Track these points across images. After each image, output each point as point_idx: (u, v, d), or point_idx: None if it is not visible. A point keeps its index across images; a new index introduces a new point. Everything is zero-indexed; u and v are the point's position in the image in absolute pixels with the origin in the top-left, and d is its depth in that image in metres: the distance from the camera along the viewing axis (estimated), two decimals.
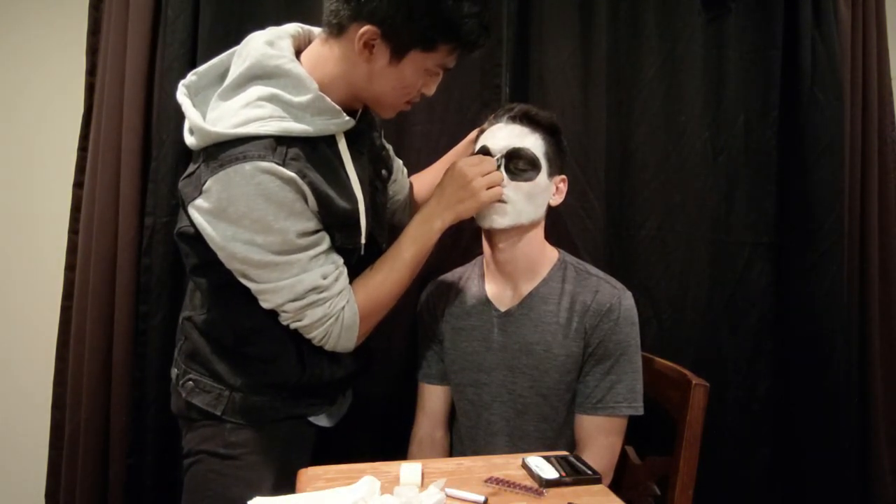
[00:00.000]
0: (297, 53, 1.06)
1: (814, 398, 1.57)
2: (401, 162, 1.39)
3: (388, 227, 1.27)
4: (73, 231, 1.52)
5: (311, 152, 1.00)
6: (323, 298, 1.03)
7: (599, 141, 1.55)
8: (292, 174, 0.96)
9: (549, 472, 0.95)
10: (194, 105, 1.04)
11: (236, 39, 1.47)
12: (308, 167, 0.98)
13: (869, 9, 1.65)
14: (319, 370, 1.13)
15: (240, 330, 1.11)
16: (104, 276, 1.45)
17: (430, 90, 1.09)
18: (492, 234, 1.28)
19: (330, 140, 1.04)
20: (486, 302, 1.32)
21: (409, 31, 0.97)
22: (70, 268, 1.52)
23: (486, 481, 0.94)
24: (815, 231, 1.56)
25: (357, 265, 1.12)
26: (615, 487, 1.13)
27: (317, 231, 1.03)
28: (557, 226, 1.49)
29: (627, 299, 1.26)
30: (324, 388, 1.19)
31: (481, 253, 1.38)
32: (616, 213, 1.59)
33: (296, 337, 1.09)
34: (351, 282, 1.10)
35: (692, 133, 1.58)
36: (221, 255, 1.00)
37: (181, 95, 1.06)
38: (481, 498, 0.88)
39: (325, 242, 1.05)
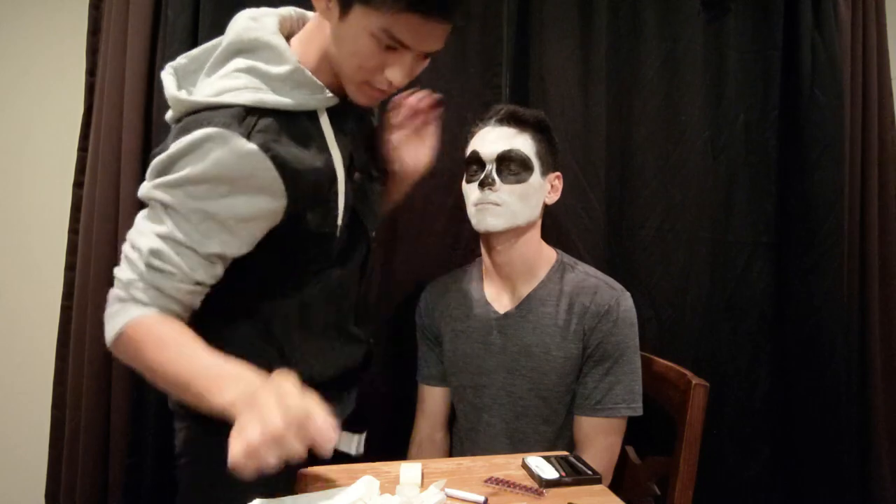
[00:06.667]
0: (288, 37, 1.02)
1: (814, 398, 1.57)
2: None
3: (380, 217, 1.22)
4: (73, 231, 1.52)
5: (288, 125, 0.95)
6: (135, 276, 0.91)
7: (599, 141, 1.55)
8: (252, 146, 0.89)
9: (549, 473, 0.95)
10: (180, 86, 1.01)
11: None
12: (277, 140, 0.92)
13: (869, 9, 1.65)
14: (308, 368, 1.02)
15: (216, 328, 1.02)
16: (104, 276, 1.45)
17: (395, 75, 0.94)
18: (489, 237, 1.28)
19: (313, 115, 0.99)
20: (484, 304, 1.32)
21: None
22: (70, 268, 1.52)
23: (486, 481, 0.94)
24: (815, 231, 1.56)
25: (341, 258, 1.05)
26: (615, 487, 1.13)
27: (219, 226, 0.91)
28: (557, 226, 1.49)
29: (626, 300, 1.26)
30: (318, 389, 1.13)
31: (480, 255, 1.38)
32: (616, 213, 1.59)
33: (279, 333, 1.04)
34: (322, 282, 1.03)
35: (692, 133, 1.59)
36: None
37: (166, 74, 1.02)
38: (481, 498, 0.88)
39: (225, 247, 0.93)
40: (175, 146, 0.90)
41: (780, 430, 1.61)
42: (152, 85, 1.47)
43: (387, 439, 1.46)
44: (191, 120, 0.92)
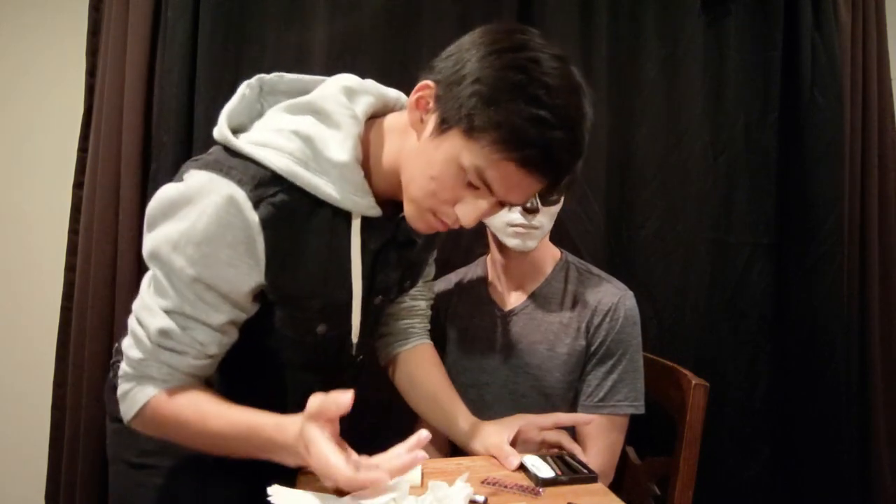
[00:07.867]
0: (377, 116, 0.94)
1: (814, 398, 1.57)
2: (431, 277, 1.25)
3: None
4: (73, 231, 1.52)
5: (308, 213, 0.87)
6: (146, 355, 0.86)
7: (599, 141, 1.55)
8: (254, 217, 0.82)
9: (546, 472, 0.95)
10: (259, 100, 0.96)
11: (235, 41, 1.46)
12: (286, 223, 0.85)
13: (869, 11, 1.65)
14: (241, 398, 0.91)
15: None
16: (104, 276, 1.45)
17: (467, 215, 0.86)
18: (510, 248, 1.26)
19: (344, 216, 0.90)
20: (489, 302, 1.32)
21: (457, 98, 0.79)
22: (70, 268, 1.52)
23: (482, 482, 0.94)
24: (815, 231, 1.57)
25: (302, 362, 0.98)
26: (615, 487, 1.13)
27: (220, 297, 0.85)
28: (559, 229, 1.49)
29: (630, 299, 1.26)
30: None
31: (483, 253, 1.37)
32: (616, 213, 1.59)
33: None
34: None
35: (692, 134, 1.59)
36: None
37: (245, 87, 0.94)
38: (481, 498, 0.88)
39: (216, 316, 0.86)
40: (187, 182, 0.84)
41: (780, 430, 1.61)
42: (152, 86, 1.47)
43: (387, 439, 1.46)
44: (219, 155, 0.87)
